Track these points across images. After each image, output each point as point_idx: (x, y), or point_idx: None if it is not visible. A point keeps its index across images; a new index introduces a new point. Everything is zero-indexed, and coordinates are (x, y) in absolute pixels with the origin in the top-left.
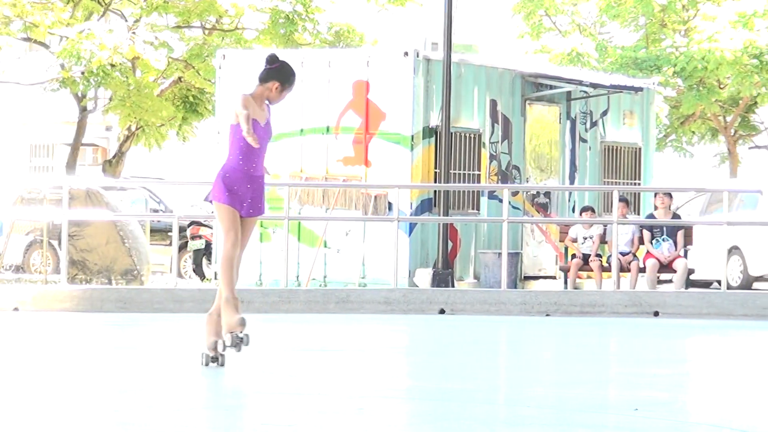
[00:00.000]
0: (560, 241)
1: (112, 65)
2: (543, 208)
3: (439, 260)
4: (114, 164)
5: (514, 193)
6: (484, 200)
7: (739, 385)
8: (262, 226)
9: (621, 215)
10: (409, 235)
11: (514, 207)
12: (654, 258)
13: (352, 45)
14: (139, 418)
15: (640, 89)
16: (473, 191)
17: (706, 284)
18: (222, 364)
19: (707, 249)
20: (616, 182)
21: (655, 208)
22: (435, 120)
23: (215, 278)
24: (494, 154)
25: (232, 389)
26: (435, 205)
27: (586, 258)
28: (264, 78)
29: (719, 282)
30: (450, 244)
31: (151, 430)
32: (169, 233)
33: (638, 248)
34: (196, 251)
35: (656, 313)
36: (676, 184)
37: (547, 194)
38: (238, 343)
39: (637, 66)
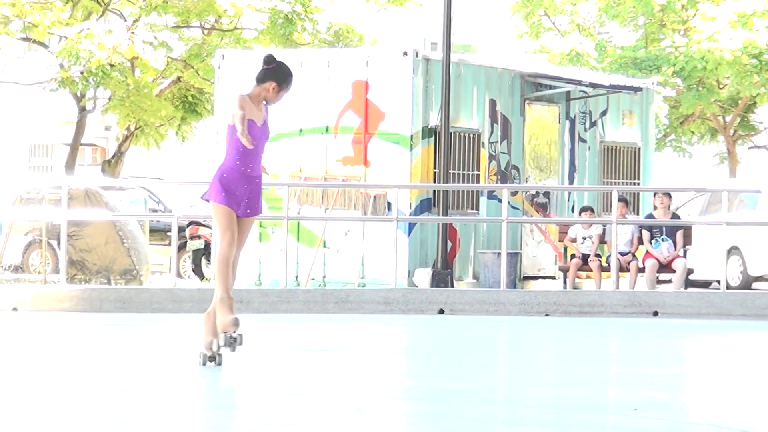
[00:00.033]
0: (559, 241)
1: (111, 65)
2: (542, 208)
3: (439, 260)
4: (113, 164)
5: (514, 193)
6: (483, 200)
7: (738, 385)
8: (261, 226)
9: (620, 215)
10: (409, 235)
11: (513, 207)
12: (653, 258)
13: (352, 45)
14: (138, 418)
15: (640, 89)
16: (472, 191)
17: (705, 284)
18: (219, 364)
19: (707, 249)
20: (615, 182)
21: (655, 208)
22: (434, 120)
23: (214, 278)
24: (493, 154)
25: (231, 389)
26: (434, 205)
27: (585, 258)
28: (261, 78)
29: (719, 282)
30: (449, 244)
31: (150, 430)
32: (168, 233)
33: (637, 248)
34: (195, 251)
35: (655, 313)
36: (675, 184)
37: (547, 194)
38: (232, 342)
39: (636, 66)
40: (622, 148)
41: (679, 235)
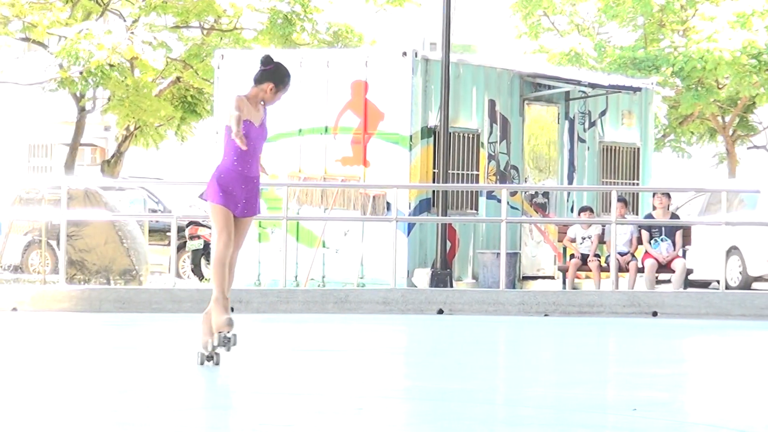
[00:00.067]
0: (559, 241)
1: (111, 65)
2: (541, 208)
3: (438, 260)
4: (112, 164)
5: (513, 193)
6: (482, 200)
7: (737, 385)
8: (260, 226)
9: (619, 215)
10: (408, 235)
11: (512, 207)
12: (652, 258)
13: (351, 45)
14: (137, 418)
15: (639, 89)
16: (472, 191)
17: (704, 284)
18: (217, 363)
19: (706, 249)
20: (614, 182)
21: (654, 208)
22: (433, 120)
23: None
24: (493, 154)
25: (230, 389)
26: (433, 205)
27: (584, 258)
28: (258, 79)
29: (718, 282)
30: (448, 244)
31: (150, 430)
32: (168, 233)
33: (637, 248)
34: (195, 251)
35: (655, 313)
36: (674, 184)
37: (546, 194)
38: (226, 342)
39: (635, 66)
40: (621, 148)
41: (679, 235)
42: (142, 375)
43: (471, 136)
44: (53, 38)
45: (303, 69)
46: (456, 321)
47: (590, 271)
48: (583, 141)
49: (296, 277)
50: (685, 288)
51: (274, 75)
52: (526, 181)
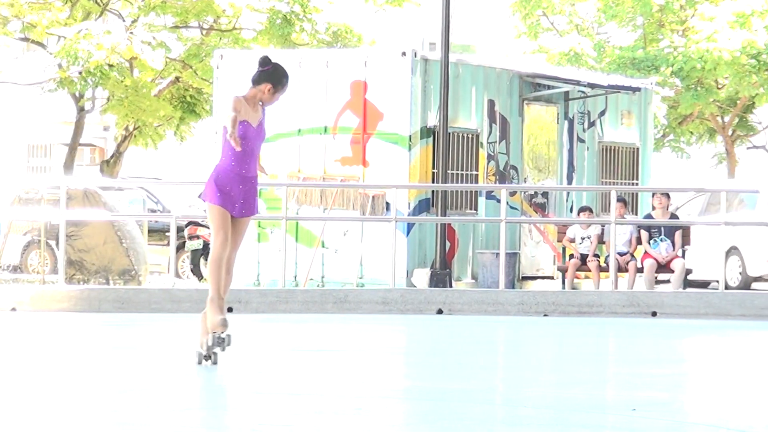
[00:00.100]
0: (558, 241)
1: (110, 65)
2: (541, 209)
3: (437, 260)
4: (112, 164)
5: (512, 193)
6: (481, 200)
7: (736, 385)
8: (260, 226)
9: (619, 215)
10: (407, 235)
11: (511, 207)
12: (652, 258)
13: (350, 45)
14: (137, 418)
15: (638, 89)
16: (471, 191)
17: (704, 284)
18: (215, 362)
19: (706, 249)
20: (613, 182)
21: (653, 208)
22: (433, 120)
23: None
24: (492, 154)
25: (229, 389)
26: (433, 205)
27: (583, 258)
28: (256, 80)
29: (718, 282)
30: (448, 244)
31: (150, 430)
32: (167, 233)
33: (636, 248)
34: (194, 251)
35: (654, 314)
36: (673, 184)
37: (545, 194)
38: (220, 343)
39: (634, 66)
40: (620, 149)
41: (678, 235)
42: (141, 375)
43: (470, 136)
44: (52, 38)
45: (302, 69)
46: (455, 321)
47: (589, 271)
48: (582, 141)
49: (295, 277)
50: (684, 288)
51: (272, 76)
52: (525, 181)
